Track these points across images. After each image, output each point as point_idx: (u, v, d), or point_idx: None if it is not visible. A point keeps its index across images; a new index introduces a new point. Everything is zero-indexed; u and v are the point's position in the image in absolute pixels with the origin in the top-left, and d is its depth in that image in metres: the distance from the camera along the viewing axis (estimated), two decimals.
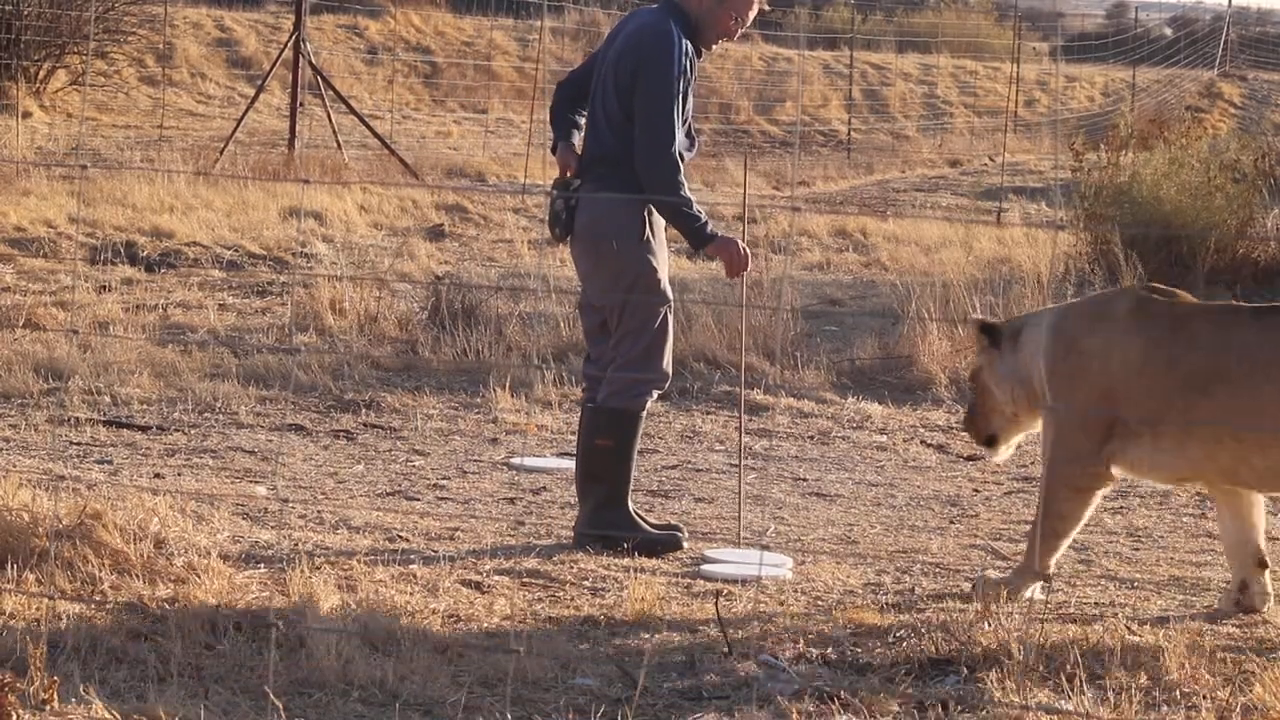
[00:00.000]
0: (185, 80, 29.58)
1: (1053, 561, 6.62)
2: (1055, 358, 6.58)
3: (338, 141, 21.27)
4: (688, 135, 7.33)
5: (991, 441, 6.90)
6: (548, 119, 7.65)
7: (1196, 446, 6.42)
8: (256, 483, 8.19)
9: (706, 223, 7.19)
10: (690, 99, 7.27)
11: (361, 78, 31.32)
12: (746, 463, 9.24)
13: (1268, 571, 6.62)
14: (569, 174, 7.32)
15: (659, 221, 7.29)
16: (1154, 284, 6.96)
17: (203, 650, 5.68)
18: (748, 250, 7.27)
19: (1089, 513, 6.61)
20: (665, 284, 7.27)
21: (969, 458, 9.44)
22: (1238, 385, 6.35)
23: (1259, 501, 6.68)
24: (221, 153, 20.04)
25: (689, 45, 7.20)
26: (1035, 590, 6.54)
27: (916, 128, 34.46)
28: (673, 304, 7.34)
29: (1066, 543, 6.63)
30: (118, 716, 5.06)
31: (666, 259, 7.36)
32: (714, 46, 7.47)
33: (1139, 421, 6.41)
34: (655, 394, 7.39)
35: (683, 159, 7.28)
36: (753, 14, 7.41)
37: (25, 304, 11.94)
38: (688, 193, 7.18)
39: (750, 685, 5.53)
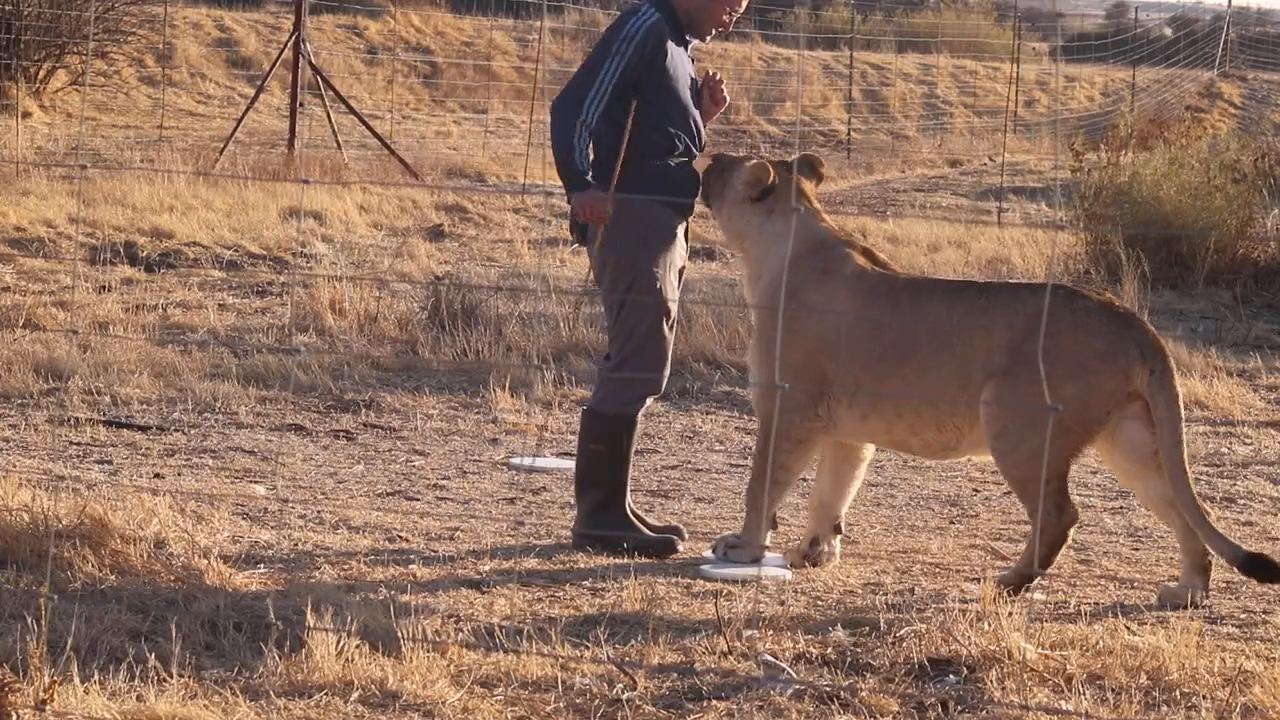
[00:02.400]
0: (185, 80, 29.58)
1: (776, 509, 7.11)
2: (773, 293, 6.98)
3: (337, 141, 21.27)
4: (690, 131, 7.30)
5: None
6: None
7: (877, 417, 6.89)
8: (256, 483, 8.19)
9: (578, 176, 7.04)
10: (680, 90, 7.25)
11: (361, 78, 31.32)
12: (747, 464, 9.23)
13: (839, 537, 7.20)
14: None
15: (669, 223, 7.25)
16: (872, 249, 7.24)
17: (203, 650, 5.69)
18: (608, 209, 7.06)
19: (810, 461, 7.14)
20: (668, 288, 7.24)
21: None
22: (926, 359, 6.79)
23: (860, 477, 7.30)
24: (221, 153, 20.04)
25: (659, 30, 7.16)
26: (768, 538, 7.06)
27: (916, 128, 34.46)
28: (674, 309, 7.31)
29: (789, 490, 7.19)
30: (118, 716, 5.06)
31: (676, 263, 7.32)
32: (709, 39, 7.49)
33: (838, 384, 6.88)
34: (649, 399, 7.37)
35: (694, 155, 7.28)
36: (745, 2, 7.41)
37: (25, 304, 11.93)
38: (577, 141, 7.05)
39: (750, 685, 5.53)
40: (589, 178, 7.09)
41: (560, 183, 7.18)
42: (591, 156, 7.17)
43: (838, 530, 7.20)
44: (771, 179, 7.13)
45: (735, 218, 7.21)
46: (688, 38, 7.39)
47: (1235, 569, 6.60)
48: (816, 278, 6.96)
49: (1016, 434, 6.61)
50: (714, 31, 7.41)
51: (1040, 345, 6.53)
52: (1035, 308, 6.68)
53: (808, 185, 7.29)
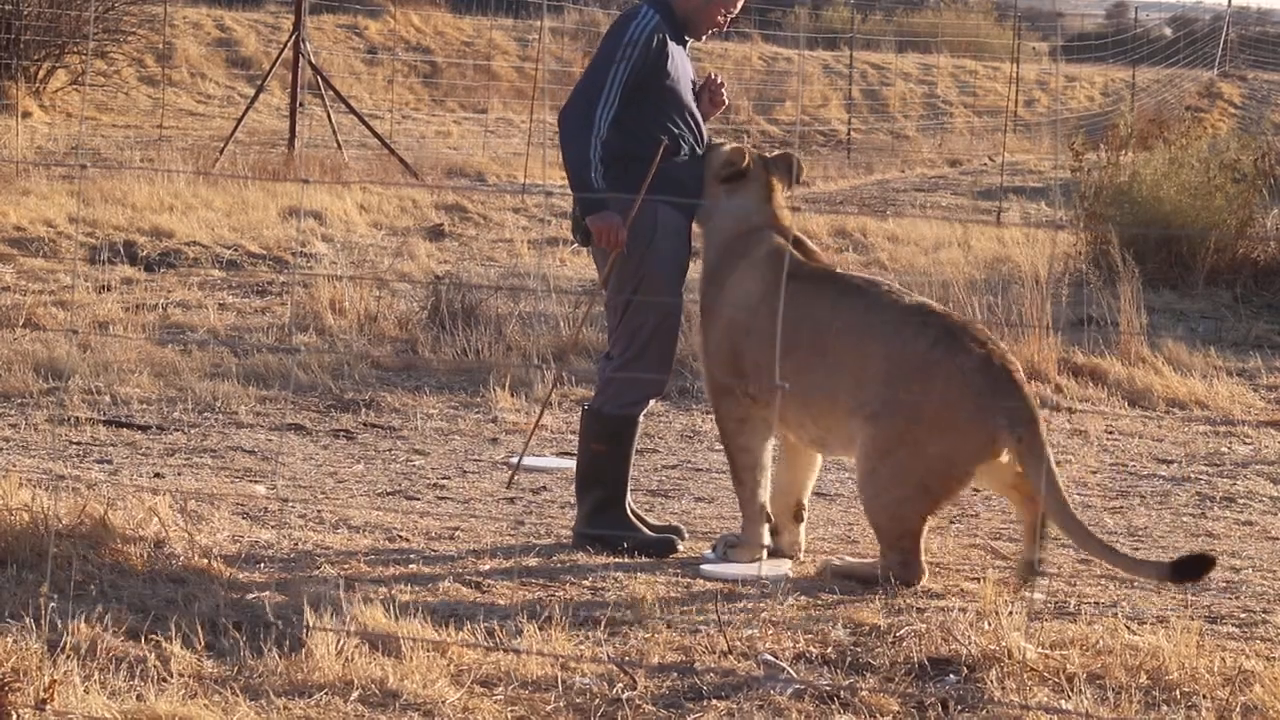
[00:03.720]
0: (185, 80, 29.58)
1: (764, 497, 7.08)
2: (707, 275, 7.15)
3: (337, 141, 21.28)
4: (693, 131, 7.29)
5: None
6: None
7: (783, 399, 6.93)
8: (256, 482, 8.19)
9: (594, 193, 7.06)
10: (682, 90, 7.25)
11: (361, 78, 31.32)
12: None
13: (803, 525, 7.23)
14: None
15: (676, 225, 7.25)
16: (805, 240, 7.26)
17: (203, 650, 5.69)
18: (624, 235, 7.11)
19: (766, 439, 7.08)
20: (674, 290, 7.23)
21: None
22: (805, 359, 6.84)
23: (816, 465, 7.29)
24: (221, 153, 20.04)
25: (660, 31, 7.16)
26: (766, 535, 7.07)
27: (916, 128, 34.46)
28: (680, 311, 7.31)
29: (766, 476, 7.10)
30: (118, 716, 5.06)
31: (682, 264, 7.31)
32: (704, 39, 7.50)
33: (748, 364, 6.94)
34: (651, 400, 7.37)
35: (693, 150, 7.27)
36: (741, 2, 7.42)
37: (25, 304, 11.94)
38: (593, 155, 7.06)
39: (750, 685, 5.53)
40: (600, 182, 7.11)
41: (565, 185, 7.18)
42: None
43: (799, 518, 7.24)
44: (745, 164, 7.17)
45: (706, 197, 7.27)
46: (686, 37, 7.39)
47: (1171, 583, 6.57)
48: (733, 260, 7.05)
49: (884, 481, 6.69)
50: (710, 31, 7.42)
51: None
52: (917, 350, 6.70)
53: (777, 180, 7.29)
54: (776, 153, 7.40)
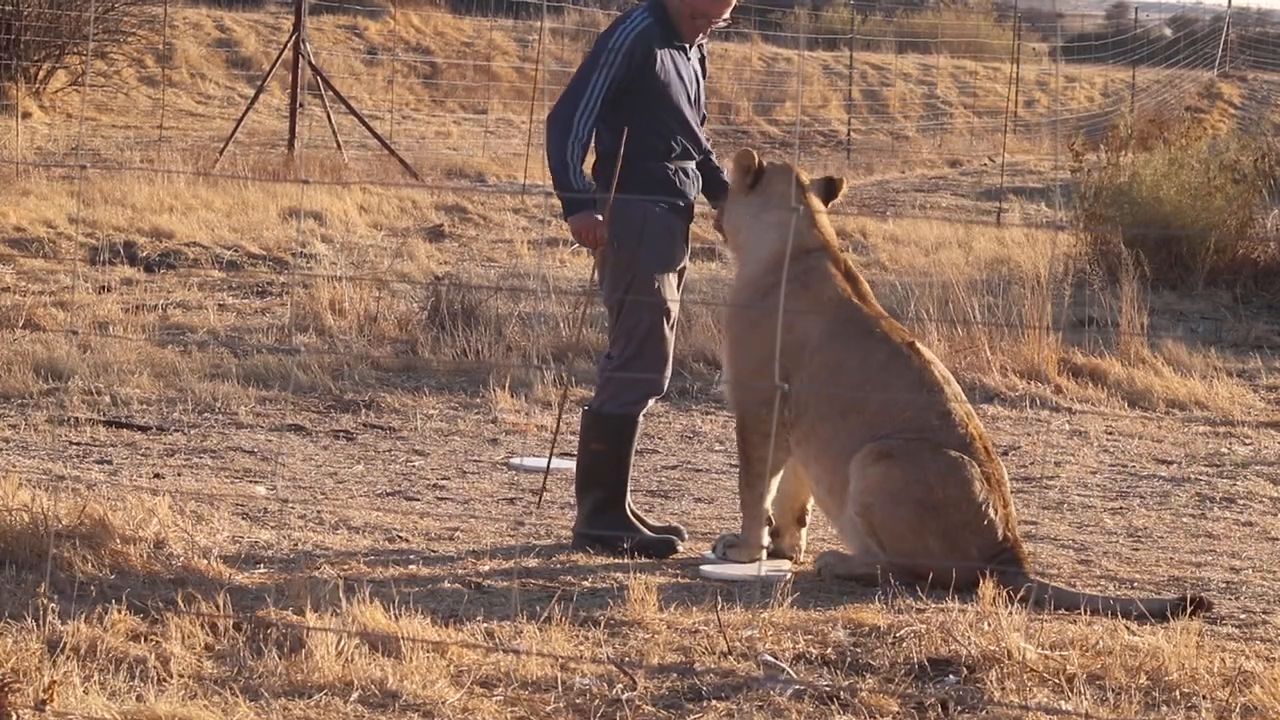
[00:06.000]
0: (185, 80, 29.58)
1: (768, 502, 7.10)
2: (752, 287, 7.06)
3: (337, 142, 21.28)
4: (688, 132, 7.29)
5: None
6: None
7: (811, 437, 6.92)
8: (256, 483, 8.19)
9: (576, 195, 7.08)
10: (673, 93, 7.23)
11: (361, 78, 31.32)
12: None
13: (805, 529, 7.25)
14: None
15: (668, 223, 7.24)
16: (854, 270, 7.20)
17: (203, 650, 5.69)
18: (603, 234, 7.11)
19: (786, 457, 7.07)
20: (666, 288, 7.23)
21: None
22: (872, 416, 6.80)
23: None
24: (221, 153, 20.04)
25: (648, 36, 7.14)
26: (766, 536, 7.10)
27: (916, 128, 34.46)
28: (674, 310, 7.29)
29: (775, 483, 7.11)
30: (118, 716, 5.06)
31: (676, 263, 7.31)
32: (693, 45, 7.40)
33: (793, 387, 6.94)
34: (651, 400, 7.37)
35: (692, 156, 7.27)
36: (724, 15, 7.34)
37: (25, 304, 11.94)
38: (570, 159, 7.10)
39: (750, 685, 5.53)
40: (589, 182, 7.14)
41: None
42: (593, 158, 7.22)
43: (802, 522, 7.24)
44: (756, 163, 7.14)
45: (731, 212, 7.24)
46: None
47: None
48: (791, 286, 6.95)
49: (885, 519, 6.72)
50: (699, 33, 7.36)
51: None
52: (921, 426, 6.74)
53: (810, 188, 7.25)
54: (822, 176, 7.41)
